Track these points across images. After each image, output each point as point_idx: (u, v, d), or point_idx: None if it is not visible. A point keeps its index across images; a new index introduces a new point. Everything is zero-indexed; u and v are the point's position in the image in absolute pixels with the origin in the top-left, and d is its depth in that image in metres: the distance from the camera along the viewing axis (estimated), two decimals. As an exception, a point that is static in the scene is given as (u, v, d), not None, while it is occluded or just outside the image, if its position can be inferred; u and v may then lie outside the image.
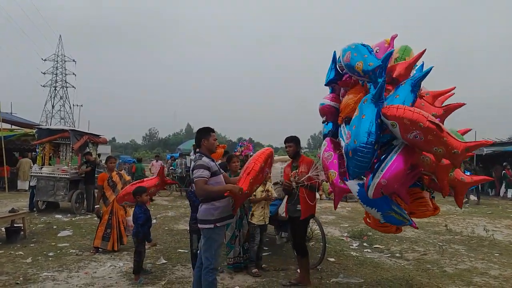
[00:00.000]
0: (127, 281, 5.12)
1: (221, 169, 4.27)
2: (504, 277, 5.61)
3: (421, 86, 3.91)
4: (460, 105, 4.11)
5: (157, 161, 18.12)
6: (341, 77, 4.73)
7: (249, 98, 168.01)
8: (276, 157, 7.94)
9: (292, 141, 5.17)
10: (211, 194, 3.94)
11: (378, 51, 4.25)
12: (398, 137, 3.57)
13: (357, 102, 4.11)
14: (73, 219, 9.69)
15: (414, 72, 4.15)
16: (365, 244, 7.51)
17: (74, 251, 6.53)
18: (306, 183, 4.85)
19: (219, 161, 6.75)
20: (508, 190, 17.67)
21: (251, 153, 9.43)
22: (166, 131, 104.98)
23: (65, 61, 73.57)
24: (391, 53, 3.92)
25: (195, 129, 4.56)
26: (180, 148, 25.83)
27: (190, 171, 4.06)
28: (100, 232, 6.53)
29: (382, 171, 3.54)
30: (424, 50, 4.02)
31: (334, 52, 4.77)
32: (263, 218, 5.75)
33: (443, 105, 4.21)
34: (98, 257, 6.19)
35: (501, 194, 18.16)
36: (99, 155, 13.34)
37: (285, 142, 5.22)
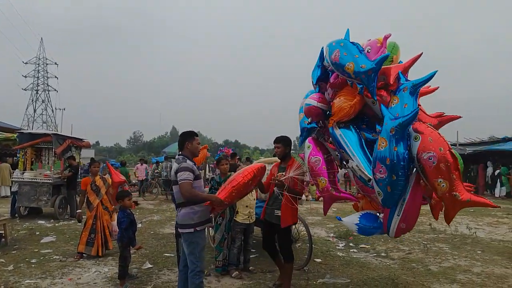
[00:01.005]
0: (112, 287, 5.05)
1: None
2: (486, 273, 5.72)
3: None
4: (455, 118, 4.08)
5: (141, 164, 17.96)
6: (328, 75, 4.55)
7: (235, 100, 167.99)
8: (262, 159, 7.97)
9: (281, 141, 4.92)
10: (196, 198, 3.96)
11: (369, 50, 4.04)
12: (413, 151, 3.44)
13: (353, 107, 4.03)
14: (57, 224, 9.52)
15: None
16: (351, 244, 7.56)
17: (57, 257, 6.41)
18: (286, 184, 4.56)
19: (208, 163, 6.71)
20: (501, 188, 17.53)
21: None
22: (151, 134, 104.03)
23: (46, 64, 72.48)
24: (386, 57, 3.75)
25: (180, 132, 4.52)
26: (165, 151, 25.63)
27: (173, 173, 4.04)
28: (84, 237, 6.43)
29: (399, 215, 3.63)
30: (421, 54, 3.92)
31: (322, 48, 4.52)
32: (248, 217, 5.70)
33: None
34: (83, 263, 6.09)
35: (498, 194, 17.67)
36: (92, 159, 13.10)
37: (274, 142, 5.00)
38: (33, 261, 6.15)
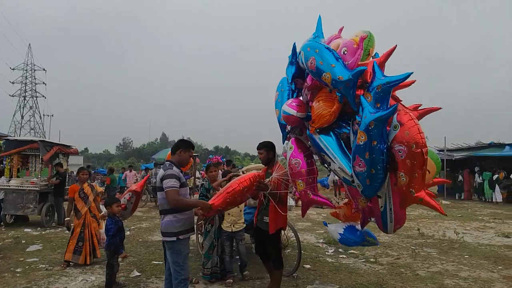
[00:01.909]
0: (99, 296, 4.99)
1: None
2: (473, 278, 5.78)
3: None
4: (434, 109, 4.03)
5: (130, 171, 17.85)
6: (303, 72, 4.46)
7: (226, 106, 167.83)
8: (252, 165, 7.97)
9: (263, 147, 4.88)
10: (183, 206, 3.97)
11: (345, 52, 3.87)
12: (389, 139, 3.41)
13: (333, 114, 3.98)
14: (43, 232, 9.38)
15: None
16: (340, 250, 7.58)
17: (43, 266, 6.31)
18: (269, 185, 4.51)
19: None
20: (495, 193, 17.42)
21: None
22: (141, 141, 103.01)
23: (34, 70, 71.61)
24: (363, 70, 3.62)
25: (170, 139, 4.59)
26: (154, 157, 25.45)
27: (158, 179, 4.02)
28: (71, 245, 6.35)
29: (391, 221, 3.74)
30: (395, 47, 3.79)
31: (294, 44, 4.51)
32: (231, 225, 5.63)
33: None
34: (69, 272, 6.01)
35: (496, 199, 17.45)
36: (88, 166, 12.87)
37: (257, 149, 4.95)
38: (18, 270, 6.05)
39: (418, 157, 3.19)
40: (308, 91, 4.48)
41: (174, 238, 3.95)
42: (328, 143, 4.09)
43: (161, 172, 4.05)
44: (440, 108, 4.00)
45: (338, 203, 6.92)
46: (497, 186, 17.47)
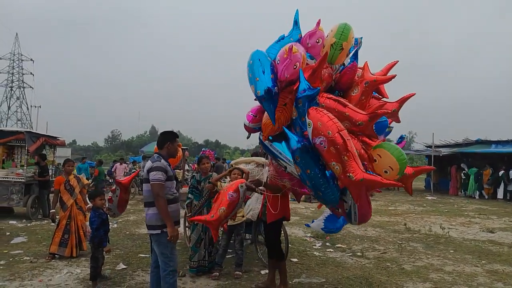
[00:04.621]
0: (84, 288, 4.94)
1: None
2: (458, 272, 5.86)
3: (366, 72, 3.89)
4: (411, 95, 4.01)
5: (121, 164, 17.66)
6: None
7: (216, 99, 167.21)
8: (241, 159, 7.95)
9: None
10: (160, 206, 3.84)
11: (278, 62, 3.87)
12: (310, 139, 3.45)
13: (276, 123, 3.91)
14: (29, 224, 9.26)
15: (348, 59, 4.13)
16: (327, 244, 7.63)
17: (28, 258, 6.23)
18: (263, 181, 4.85)
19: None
20: (498, 189, 17.49)
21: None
22: (130, 133, 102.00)
23: (22, 60, 70.69)
24: (270, 89, 3.64)
25: (160, 131, 4.49)
26: (143, 150, 25.30)
27: (145, 171, 3.98)
28: (57, 237, 6.27)
29: (356, 220, 3.79)
30: (396, 62, 3.98)
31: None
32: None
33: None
34: (54, 264, 5.94)
35: (501, 196, 17.32)
36: (83, 158, 12.61)
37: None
38: (2, 262, 5.96)
39: (338, 141, 3.21)
40: None
41: (159, 231, 3.90)
42: (280, 148, 4.22)
43: (148, 163, 3.99)
44: (414, 94, 3.99)
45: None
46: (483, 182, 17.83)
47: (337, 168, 3.25)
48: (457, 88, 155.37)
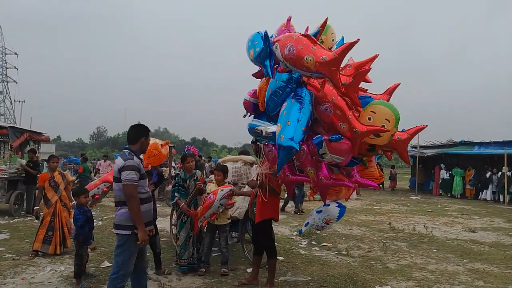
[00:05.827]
0: (68, 286, 4.89)
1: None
2: (440, 271, 5.97)
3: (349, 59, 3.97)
4: (397, 85, 4.04)
5: (105, 160, 17.44)
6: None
7: (203, 96, 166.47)
8: (228, 157, 7.95)
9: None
10: (132, 208, 3.60)
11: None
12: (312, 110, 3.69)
13: (267, 83, 4.15)
14: (11, 221, 9.11)
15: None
16: (313, 242, 7.68)
17: (10, 255, 6.13)
18: (258, 182, 4.85)
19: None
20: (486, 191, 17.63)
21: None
22: (115, 130, 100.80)
23: (5, 54, 69.12)
24: (267, 39, 3.90)
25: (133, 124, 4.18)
26: (130, 147, 25.01)
27: (116, 169, 3.68)
28: (40, 235, 6.18)
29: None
30: (377, 55, 3.79)
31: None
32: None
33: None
34: (38, 262, 5.86)
35: (488, 197, 17.42)
36: (82, 155, 12.32)
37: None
38: (-16, 259, 5.86)
39: (341, 103, 3.57)
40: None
41: (129, 232, 3.61)
42: (261, 121, 4.35)
43: (119, 161, 3.68)
44: (399, 84, 4.10)
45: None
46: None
47: (343, 127, 3.58)
48: (443, 91, 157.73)
